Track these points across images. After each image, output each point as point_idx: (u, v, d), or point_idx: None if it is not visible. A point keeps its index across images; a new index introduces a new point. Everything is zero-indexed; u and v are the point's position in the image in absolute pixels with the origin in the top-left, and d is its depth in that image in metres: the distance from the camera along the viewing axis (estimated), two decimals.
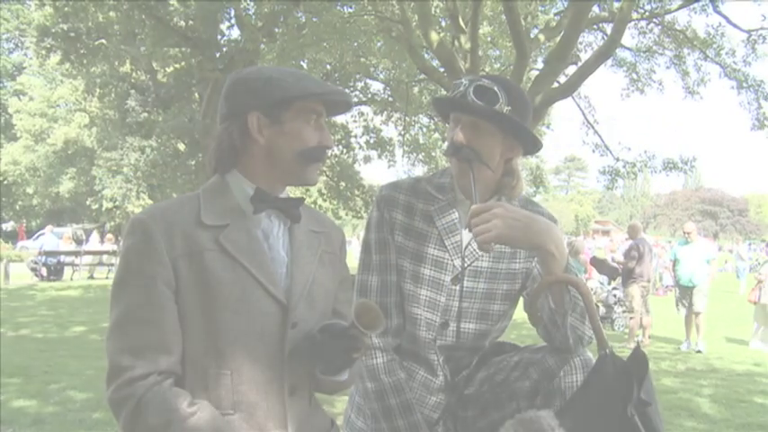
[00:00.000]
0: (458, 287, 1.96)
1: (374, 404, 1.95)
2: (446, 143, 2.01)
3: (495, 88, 1.84)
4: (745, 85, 12.81)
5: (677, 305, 9.47)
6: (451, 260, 1.97)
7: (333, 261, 1.72)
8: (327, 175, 22.32)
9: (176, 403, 1.39)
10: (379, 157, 22.55)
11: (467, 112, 1.88)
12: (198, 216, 1.52)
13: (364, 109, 21.66)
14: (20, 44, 31.92)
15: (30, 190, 34.90)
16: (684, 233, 9.53)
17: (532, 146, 1.97)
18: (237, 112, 1.56)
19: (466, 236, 1.96)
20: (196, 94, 20.89)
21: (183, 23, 17.31)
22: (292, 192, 1.70)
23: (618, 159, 13.59)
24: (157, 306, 1.43)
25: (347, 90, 20.57)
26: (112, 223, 32.25)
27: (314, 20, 11.76)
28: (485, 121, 1.86)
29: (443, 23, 13.06)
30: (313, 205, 20.90)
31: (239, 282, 1.48)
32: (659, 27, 13.07)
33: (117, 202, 26.82)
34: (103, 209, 29.76)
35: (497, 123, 1.86)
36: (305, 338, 1.54)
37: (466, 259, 1.97)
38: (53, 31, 17.20)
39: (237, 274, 1.48)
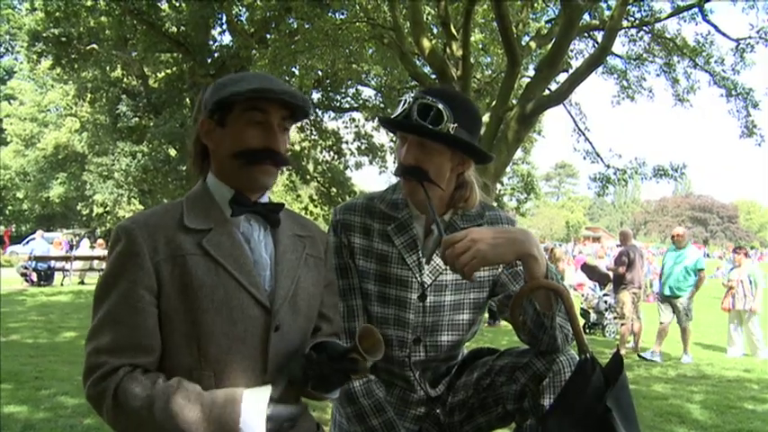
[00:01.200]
0: (425, 303, 1.95)
1: (357, 427, 1.94)
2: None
3: (440, 106, 1.79)
4: (734, 93, 12.89)
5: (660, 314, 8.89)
6: (415, 277, 1.95)
7: (318, 265, 1.72)
8: (319, 181, 22.34)
9: (152, 383, 1.40)
10: (371, 162, 22.60)
11: (411, 133, 1.85)
12: (181, 221, 1.53)
13: (356, 115, 21.72)
14: (10, 48, 31.88)
15: (20, 195, 34.79)
16: (671, 236, 9.20)
17: (483, 158, 1.94)
18: (198, 118, 1.60)
19: (427, 251, 1.96)
20: (187, 100, 20.88)
21: (174, 29, 17.31)
22: (281, 197, 1.70)
23: (608, 166, 13.66)
24: (136, 310, 1.44)
25: (339, 95, 20.69)
26: (103, 228, 32.13)
27: (306, 26, 11.78)
28: (431, 141, 1.83)
29: (435, 30, 13.11)
30: (304, 211, 20.91)
31: (222, 285, 1.48)
32: (649, 35, 13.16)
33: (108, 208, 26.80)
34: (94, 214, 29.72)
35: (443, 142, 1.83)
36: (301, 355, 1.53)
37: (430, 274, 1.95)
38: (44, 35, 17.21)
39: (220, 277, 1.49)
